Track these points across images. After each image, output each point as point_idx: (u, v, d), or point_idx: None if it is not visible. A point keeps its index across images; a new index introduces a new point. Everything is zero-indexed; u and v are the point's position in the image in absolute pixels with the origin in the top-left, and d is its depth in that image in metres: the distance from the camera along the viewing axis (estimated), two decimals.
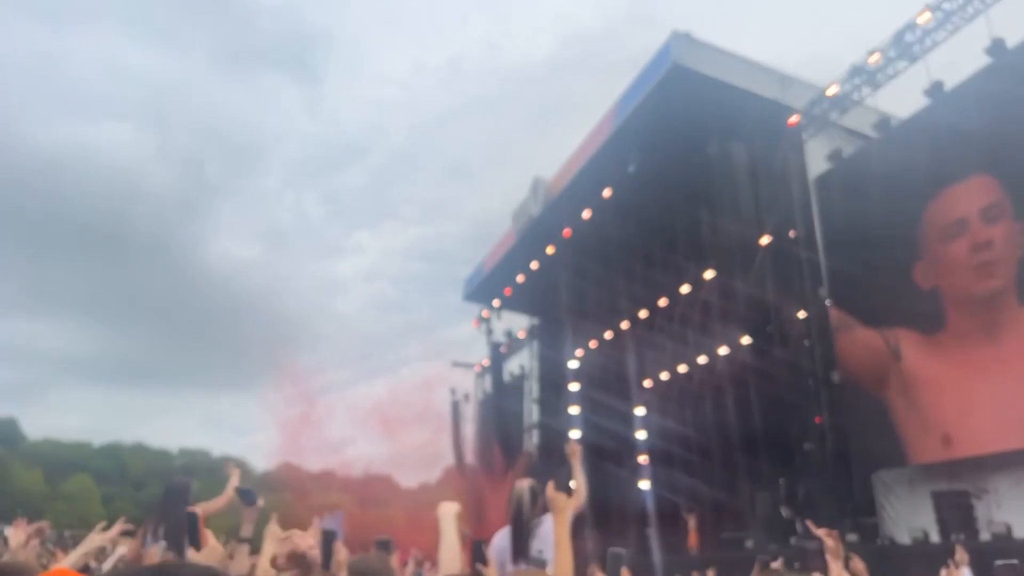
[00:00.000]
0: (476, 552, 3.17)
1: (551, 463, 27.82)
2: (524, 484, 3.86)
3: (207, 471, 66.55)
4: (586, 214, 21.96)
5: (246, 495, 2.80)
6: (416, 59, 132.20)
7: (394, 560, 3.25)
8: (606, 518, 27.98)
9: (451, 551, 2.68)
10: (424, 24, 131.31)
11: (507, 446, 28.91)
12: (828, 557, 2.43)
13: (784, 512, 18.18)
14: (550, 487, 3.21)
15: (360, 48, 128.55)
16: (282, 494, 58.14)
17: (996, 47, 13.65)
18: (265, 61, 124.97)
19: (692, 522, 22.71)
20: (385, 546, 3.20)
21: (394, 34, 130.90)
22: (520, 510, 3.70)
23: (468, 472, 36.35)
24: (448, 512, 2.69)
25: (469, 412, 36.24)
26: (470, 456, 36.28)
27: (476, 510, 35.36)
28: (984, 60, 13.90)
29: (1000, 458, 12.80)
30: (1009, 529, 11.76)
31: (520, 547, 3.71)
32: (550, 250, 24.09)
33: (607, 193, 20.77)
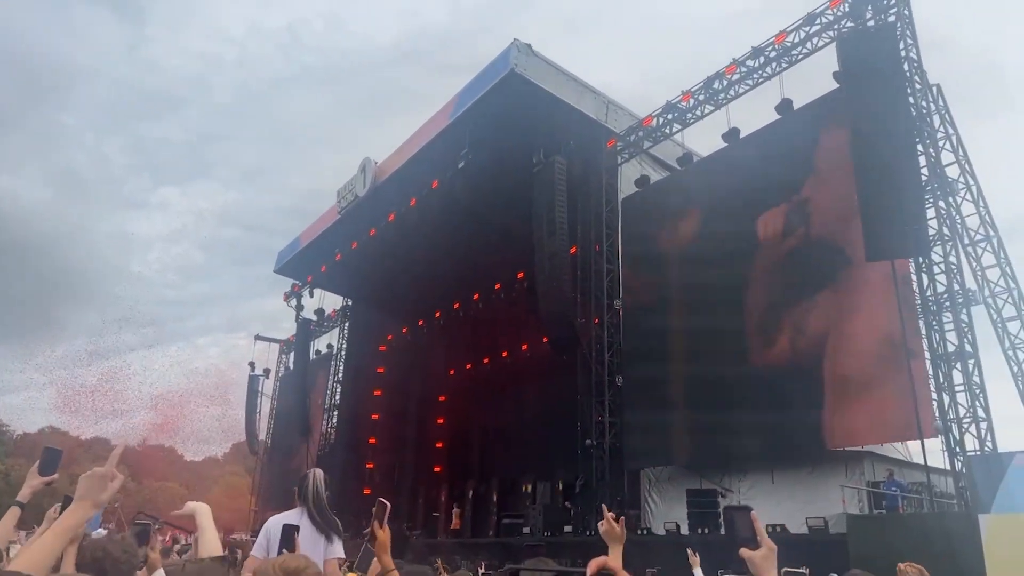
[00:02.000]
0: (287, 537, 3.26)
1: (349, 446, 27.64)
2: (319, 471, 3.85)
3: None
4: (412, 202, 22.07)
5: (48, 460, 2.31)
6: (253, 19, 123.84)
7: (155, 540, 3.04)
8: (402, 501, 28.35)
9: (212, 543, 2.68)
10: None
11: (305, 424, 28.23)
12: (607, 540, 2.80)
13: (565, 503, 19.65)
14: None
15: None
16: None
17: (784, 106, 15.78)
18: None
19: (457, 511, 24.10)
20: (143, 529, 2.95)
21: None
22: (316, 493, 3.73)
23: (259, 448, 35.01)
24: (204, 510, 2.67)
25: (268, 388, 34.94)
26: (263, 432, 34.98)
27: (263, 487, 34.18)
28: (773, 115, 16.02)
29: (744, 463, 14.88)
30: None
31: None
32: (372, 233, 23.89)
33: (435, 184, 21.03)
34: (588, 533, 16.54)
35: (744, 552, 1.91)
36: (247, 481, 46.65)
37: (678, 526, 14.73)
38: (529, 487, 23.28)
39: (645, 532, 15.61)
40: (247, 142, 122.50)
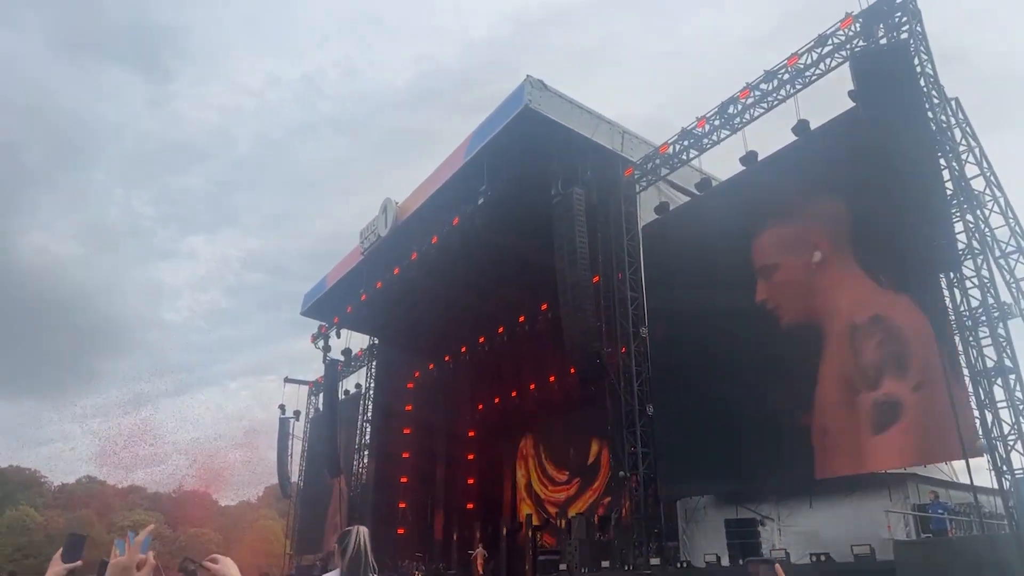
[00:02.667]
0: None
1: (381, 486, 27.56)
2: (365, 530, 3.56)
3: None
4: (434, 239, 22.26)
5: (72, 546, 2.21)
6: (271, 71, 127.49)
7: None
8: (436, 540, 28.10)
9: None
10: (282, 38, 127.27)
11: (336, 466, 28.21)
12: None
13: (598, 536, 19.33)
14: None
15: (214, 52, 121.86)
16: (81, 511, 52.51)
17: (801, 127, 15.72)
18: (110, 52, 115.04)
19: (480, 551, 23.71)
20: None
21: (250, 43, 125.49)
22: (359, 557, 3.43)
23: (292, 491, 35.03)
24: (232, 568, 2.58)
25: (299, 430, 35.06)
26: (295, 475, 35.02)
27: (297, 530, 34.10)
28: (790, 137, 15.98)
29: (781, 490, 14.54)
30: (788, 554, 13.33)
31: None
32: (396, 271, 24.10)
33: (456, 221, 21.23)
34: (626, 568, 16.23)
35: None
36: (281, 524, 46.62)
37: (718, 558, 14.39)
38: (564, 522, 22.96)
39: (685, 565, 15.26)
40: (269, 189, 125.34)
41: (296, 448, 34.93)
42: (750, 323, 15.44)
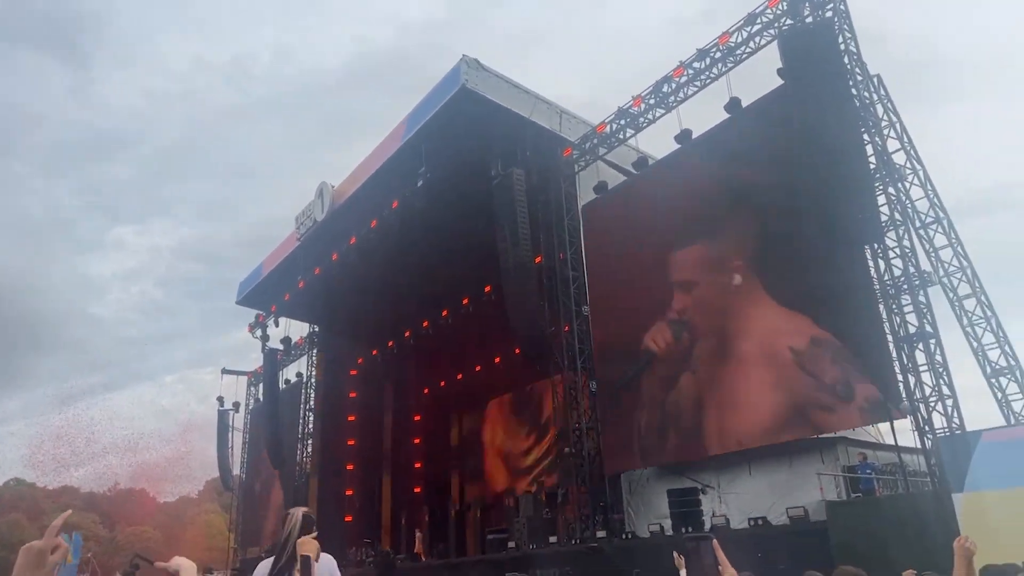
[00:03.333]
0: None
1: (327, 474, 27.23)
2: (299, 511, 3.58)
3: None
4: (373, 223, 21.89)
5: None
6: (198, 54, 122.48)
7: None
8: (384, 526, 27.99)
9: None
10: (208, 20, 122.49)
11: (279, 456, 27.69)
12: None
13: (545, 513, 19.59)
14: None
15: (136, 35, 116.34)
16: (10, 515, 50.11)
17: (733, 105, 16.05)
18: (27, 39, 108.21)
19: (419, 535, 23.72)
20: None
21: (175, 26, 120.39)
22: (289, 539, 3.45)
23: (234, 484, 34.29)
24: (189, 569, 2.49)
25: (239, 422, 34.26)
26: (237, 467, 34.28)
27: (241, 523, 33.44)
28: (722, 114, 16.30)
29: (720, 459, 15.00)
30: (727, 520, 13.79)
31: None
32: (334, 257, 23.63)
33: (395, 204, 20.92)
34: (574, 542, 16.51)
35: None
36: (224, 518, 45.59)
37: (662, 527, 14.76)
38: (512, 500, 23.18)
39: (629, 536, 15.62)
40: (201, 176, 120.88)
41: (237, 440, 34.18)
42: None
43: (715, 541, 1.98)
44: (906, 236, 12.57)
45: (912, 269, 12.36)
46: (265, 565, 3.54)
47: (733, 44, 15.81)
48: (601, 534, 15.83)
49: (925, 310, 12.14)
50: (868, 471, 12.85)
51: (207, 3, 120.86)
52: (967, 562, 2.83)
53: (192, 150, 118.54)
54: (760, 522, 13.09)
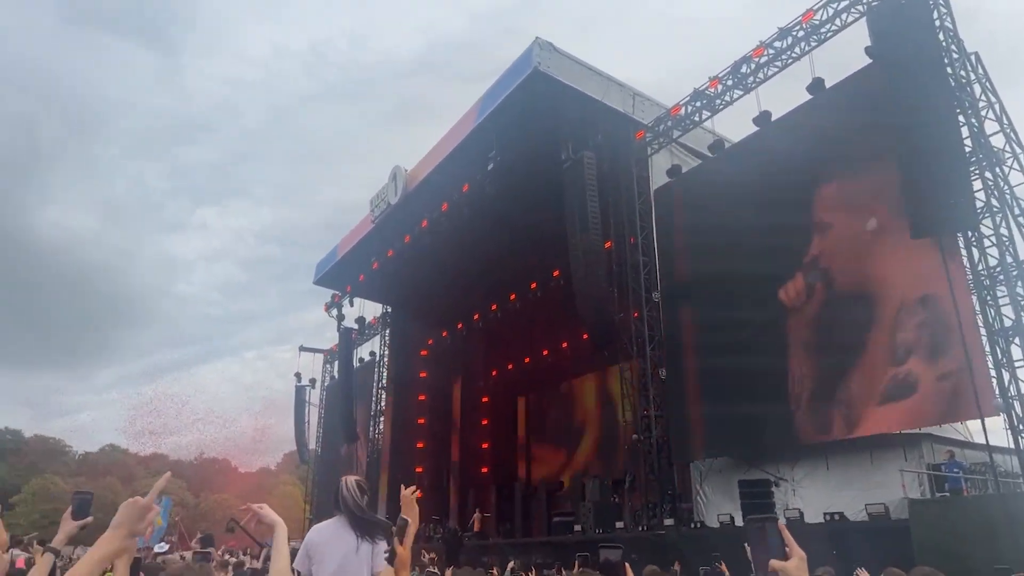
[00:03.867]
0: None
1: (397, 451, 27.94)
2: (351, 479, 3.63)
3: (15, 453, 59.98)
4: (444, 207, 22.18)
5: (80, 504, 2.32)
6: (277, 42, 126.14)
7: (217, 554, 3.12)
8: (453, 504, 28.61)
9: (284, 567, 2.53)
10: (287, 8, 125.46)
11: (352, 432, 28.60)
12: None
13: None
14: (395, 543, 3.05)
15: (219, 25, 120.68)
16: (104, 479, 53.76)
17: (816, 85, 15.41)
18: (118, 27, 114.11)
19: (478, 515, 23.96)
20: (207, 542, 3.05)
21: (256, 15, 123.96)
22: (349, 501, 3.54)
23: (309, 458, 35.62)
24: (282, 529, 2.58)
25: (315, 398, 35.51)
26: (313, 442, 35.58)
27: (316, 495, 34.76)
28: (805, 96, 15.68)
29: (796, 451, 14.61)
30: (801, 514, 13.46)
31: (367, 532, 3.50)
32: (407, 239, 24.08)
33: (465, 188, 21.12)
34: (640, 528, 16.46)
35: (775, 563, 1.83)
36: (301, 490, 47.51)
37: (732, 518, 14.53)
38: (578, 484, 23.25)
39: (699, 525, 15.45)
40: (279, 160, 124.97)
41: (313, 416, 35.45)
42: (766, 289, 15.34)
43: (781, 522, 1.93)
44: (1003, 224, 11.85)
45: (1010, 259, 11.66)
46: (327, 526, 3.61)
47: (817, 22, 15.15)
48: (668, 522, 15.72)
49: (1022, 303, 11.44)
50: (956, 470, 12.26)
51: None
52: None
53: (271, 135, 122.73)
54: (837, 517, 12.71)
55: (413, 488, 3.08)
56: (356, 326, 29.81)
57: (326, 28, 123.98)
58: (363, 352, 31.97)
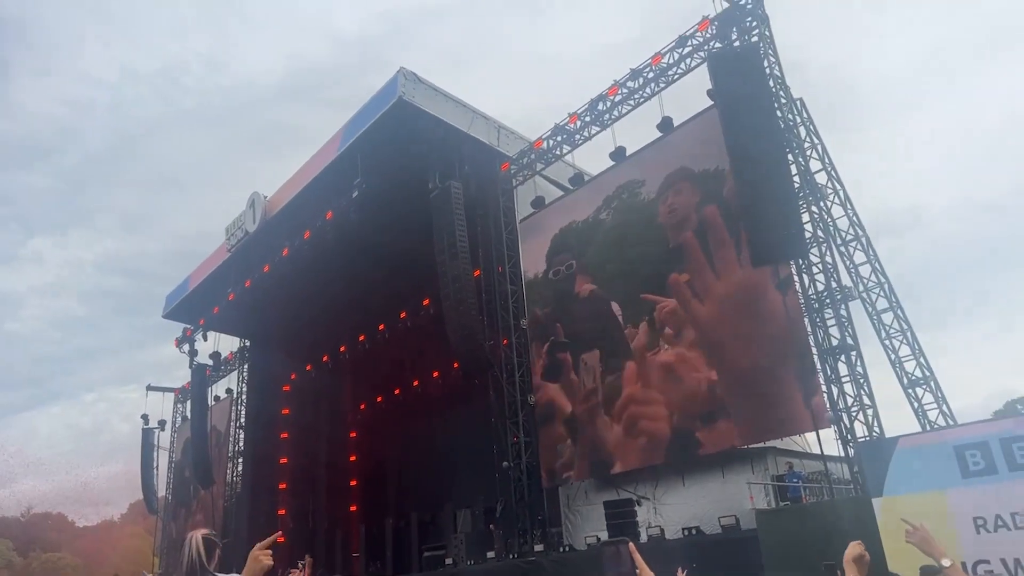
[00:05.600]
0: None
1: (258, 494, 26.41)
2: (198, 534, 3.25)
3: None
4: (307, 234, 21.46)
5: None
6: (125, 64, 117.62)
7: None
8: (318, 545, 27.27)
9: None
10: (136, 28, 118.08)
11: (207, 476, 26.68)
12: None
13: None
14: (262, 545, 2.85)
15: (58, 42, 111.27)
16: None
17: (665, 123, 16.47)
18: None
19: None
20: None
21: (100, 33, 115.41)
22: (194, 565, 3.13)
23: (159, 506, 32.89)
24: None
25: (164, 441, 32.92)
26: (162, 488, 32.89)
27: (167, 547, 32.03)
28: (655, 133, 16.70)
29: (655, 470, 15.24)
30: (662, 531, 14.01)
31: None
32: (266, 269, 23.03)
33: (329, 215, 20.57)
34: (511, 556, 16.47)
35: None
36: (149, 542, 43.58)
37: (598, 538, 14.87)
38: (449, 516, 22.94)
39: (567, 549, 15.68)
40: (126, 188, 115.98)
41: (163, 460, 32.82)
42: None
43: (631, 544, 2.00)
44: (828, 252, 13.13)
45: (834, 284, 12.91)
46: None
47: (665, 65, 16.26)
48: (539, 547, 15.85)
49: (847, 323, 12.68)
50: (795, 480, 13.29)
51: (134, 13, 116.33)
52: (854, 564, 3.03)
53: (117, 160, 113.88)
54: (694, 531, 13.36)
55: (267, 544, 2.79)
56: (211, 362, 28.01)
57: (180, 51, 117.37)
58: (219, 390, 30.08)
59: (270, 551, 2.73)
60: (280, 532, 2.84)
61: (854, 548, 2.91)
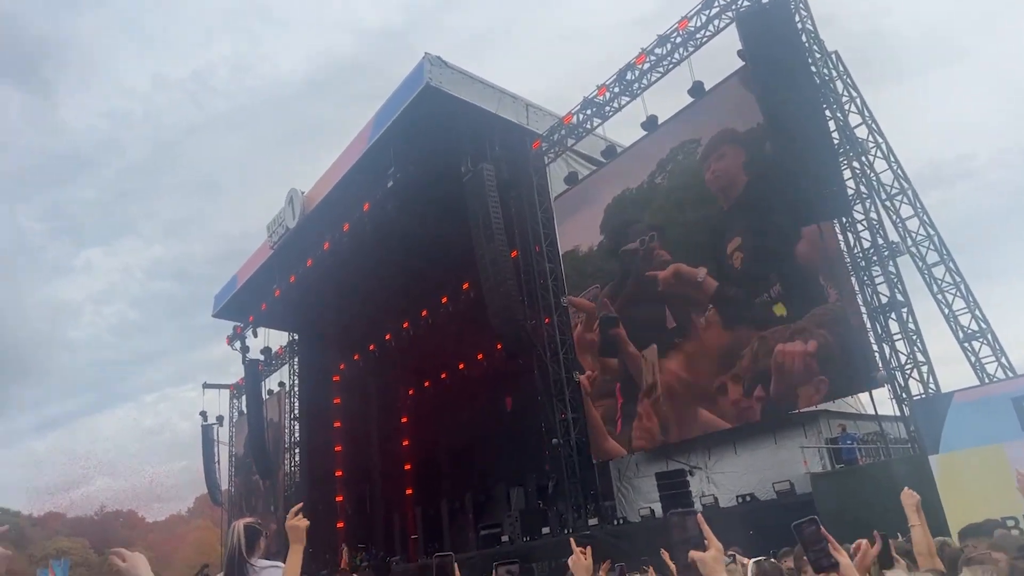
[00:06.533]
0: None
1: (316, 482, 27.08)
2: (240, 524, 3.42)
3: None
4: (346, 227, 21.78)
5: None
6: (156, 72, 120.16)
7: None
8: (376, 529, 27.93)
9: None
10: (165, 38, 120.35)
11: (266, 467, 27.48)
12: (575, 572, 3.01)
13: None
14: (291, 514, 3.08)
15: (94, 58, 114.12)
16: None
17: (696, 89, 16.15)
18: None
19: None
20: None
21: (132, 45, 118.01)
22: (234, 554, 3.30)
23: (223, 499, 34.00)
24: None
25: (224, 435, 33.96)
26: (225, 481, 33.98)
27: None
28: (686, 99, 16.38)
29: (706, 439, 15.15)
30: (716, 500, 13.96)
31: None
32: (309, 263, 23.47)
33: (366, 206, 20.83)
34: (566, 532, 16.60)
35: (694, 554, 1.92)
36: (216, 533, 45.14)
37: (652, 511, 14.90)
38: (502, 495, 23.23)
39: (622, 522, 15.74)
40: (167, 194, 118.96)
41: (223, 454, 33.87)
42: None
43: (700, 515, 2.02)
44: (873, 208, 12.77)
45: (881, 240, 12.57)
46: None
47: (692, 28, 15.91)
48: (593, 521, 15.95)
49: (896, 280, 12.35)
50: (849, 441, 13.06)
51: (162, 21, 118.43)
52: (915, 511, 3.29)
53: (156, 168, 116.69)
54: (748, 499, 13.27)
55: (296, 510, 3.05)
56: (262, 357, 28.72)
57: (207, 56, 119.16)
58: (272, 383, 30.84)
59: (300, 514, 3.11)
60: (299, 510, 3.16)
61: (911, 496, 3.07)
